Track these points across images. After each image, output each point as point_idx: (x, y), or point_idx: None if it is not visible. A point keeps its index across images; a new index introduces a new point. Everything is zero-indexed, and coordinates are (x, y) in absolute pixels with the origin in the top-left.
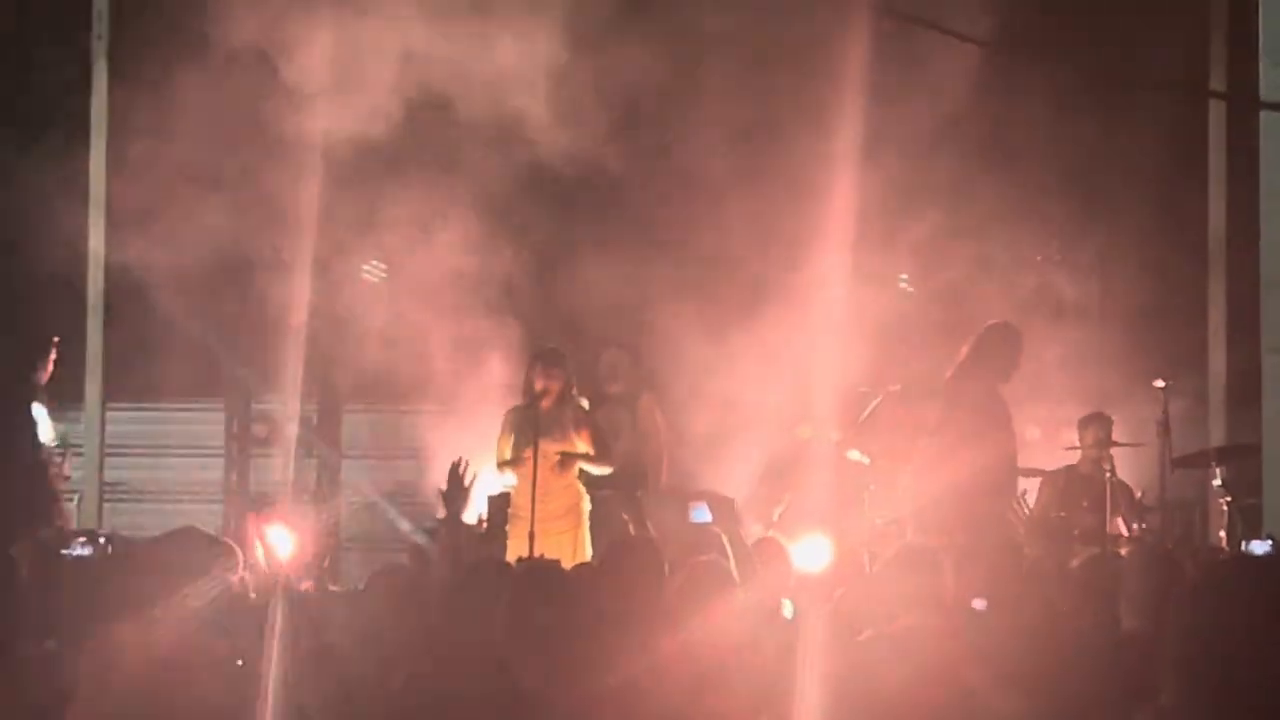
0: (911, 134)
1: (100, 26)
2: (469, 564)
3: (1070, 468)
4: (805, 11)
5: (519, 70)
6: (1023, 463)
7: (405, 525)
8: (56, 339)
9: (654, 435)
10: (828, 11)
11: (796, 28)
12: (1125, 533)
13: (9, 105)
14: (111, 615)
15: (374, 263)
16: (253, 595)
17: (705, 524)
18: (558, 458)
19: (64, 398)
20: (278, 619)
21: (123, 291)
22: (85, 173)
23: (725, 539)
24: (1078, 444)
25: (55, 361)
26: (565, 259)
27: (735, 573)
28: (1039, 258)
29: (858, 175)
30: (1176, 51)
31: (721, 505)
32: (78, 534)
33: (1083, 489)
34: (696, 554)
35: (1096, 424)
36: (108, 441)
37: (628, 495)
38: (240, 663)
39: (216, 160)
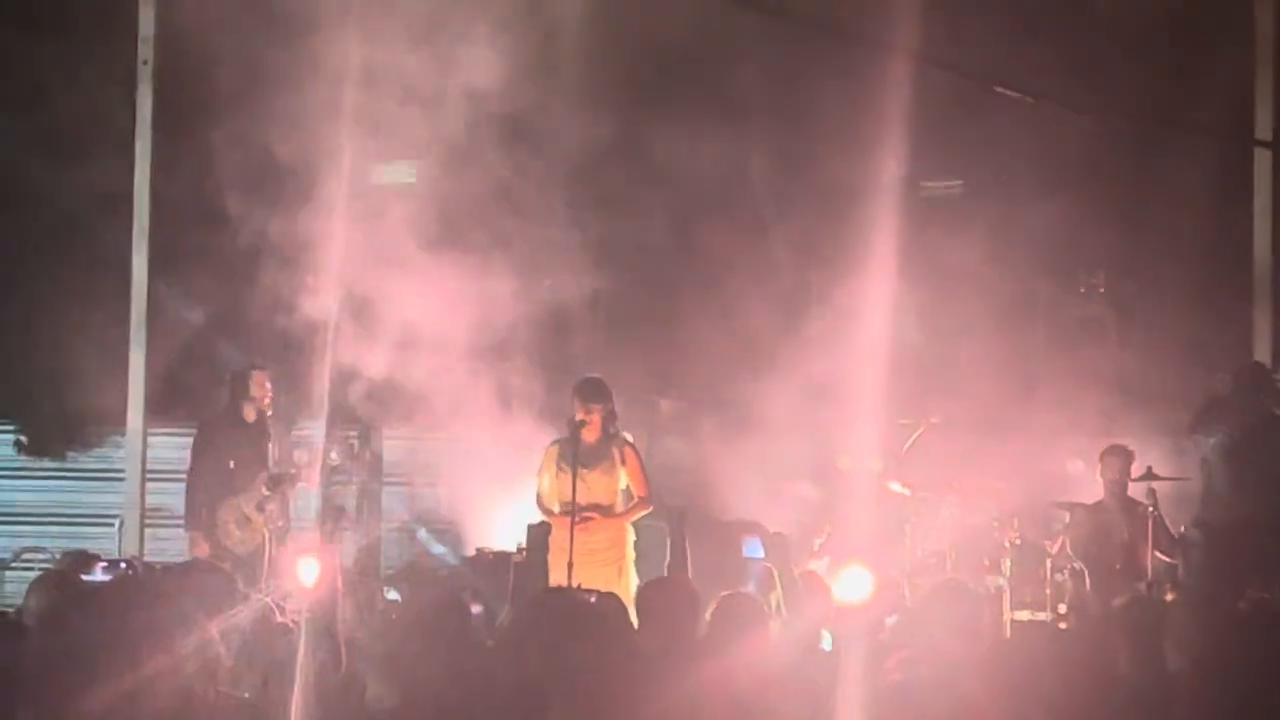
0: (956, 169)
1: (146, 50)
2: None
3: (1098, 502)
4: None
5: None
6: (1066, 495)
7: (441, 553)
8: (257, 368)
9: (710, 470)
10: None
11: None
12: (1165, 565)
13: (55, 128)
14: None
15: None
16: (282, 623)
17: (758, 559)
18: (588, 516)
19: (106, 423)
20: (305, 647)
21: (165, 316)
22: (129, 196)
23: (777, 574)
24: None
25: (260, 385)
26: (608, 291)
27: (784, 607)
28: (1082, 289)
29: (899, 206)
30: (1221, 93)
31: (774, 540)
32: (99, 560)
33: (1118, 522)
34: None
35: (1117, 457)
36: (149, 466)
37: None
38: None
39: (259, 185)
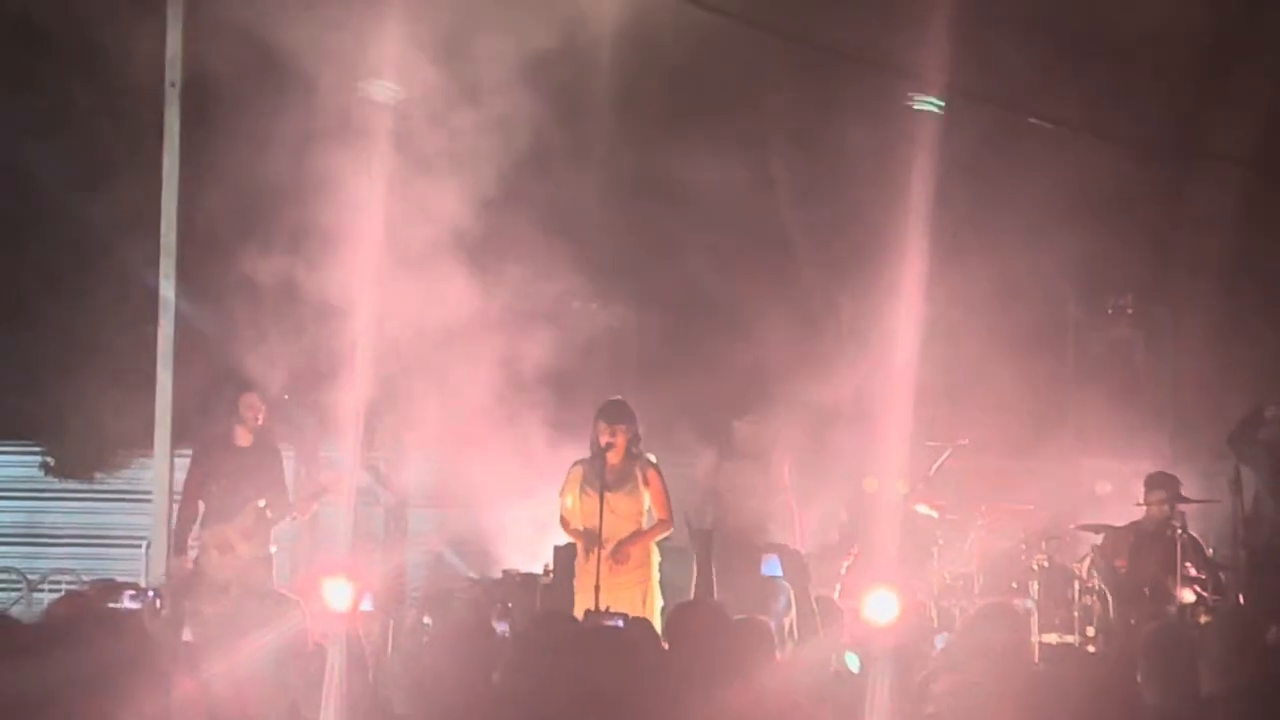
0: (986, 193)
1: (173, 73)
2: (534, 616)
3: (1136, 524)
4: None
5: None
6: (1093, 518)
7: (469, 575)
8: (246, 390)
9: (782, 493)
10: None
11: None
12: (1197, 589)
13: (81, 151)
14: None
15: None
16: (313, 646)
17: (776, 577)
18: (624, 558)
19: (134, 445)
20: (336, 671)
21: (192, 339)
22: (156, 219)
23: (792, 593)
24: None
25: (250, 407)
26: (638, 318)
27: (795, 628)
28: (1110, 312)
29: (928, 231)
30: (1249, 119)
31: (792, 559)
32: (126, 587)
33: (1150, 546)
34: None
35: (1163, 483)
36: (176, 489)
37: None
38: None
39: (285, 207)
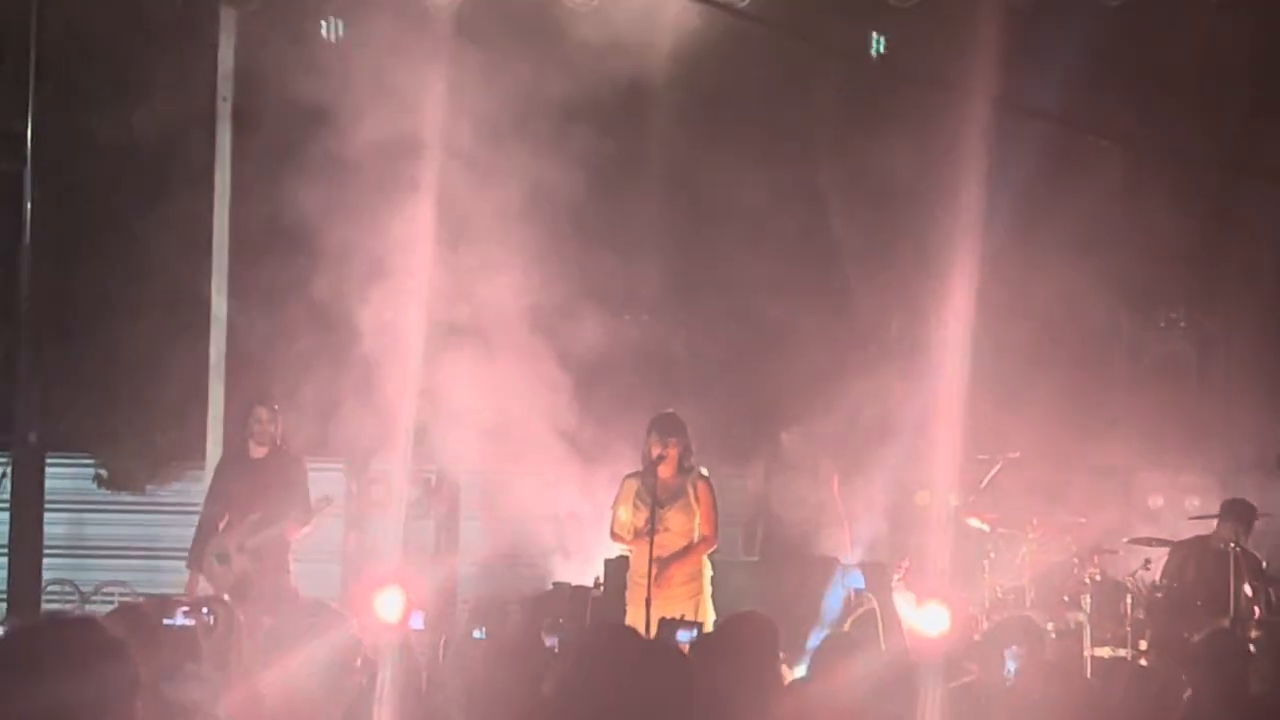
0: (1033, 205)
1: (226, 88)
2: (593, 628)
3: (1202, 539)
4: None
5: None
6: (1145, 532)
7: (519, 588)
8: (259, 404)
9: (833, 506)
10: (963, 107)
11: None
12: (1254, 601)
13: (134, 166)
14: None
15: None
16: (364, 659)
17: (860, 590)
18: (664, 576)
19: (186, 457)
20: (388, 684)
21: (243, 351)
22: (209, 232)
23: (877, 606)
24: (1199, 513)
25: (259, 420)
26: (687, 331)
27: (882, 640)
28: (1163, 325)
29: (979, 241)
30: None
31: (876, 572)
32: (181, 603)
33: (1215, 562)
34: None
35: (1240, 513)
36: None
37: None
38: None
39: (335, 221)
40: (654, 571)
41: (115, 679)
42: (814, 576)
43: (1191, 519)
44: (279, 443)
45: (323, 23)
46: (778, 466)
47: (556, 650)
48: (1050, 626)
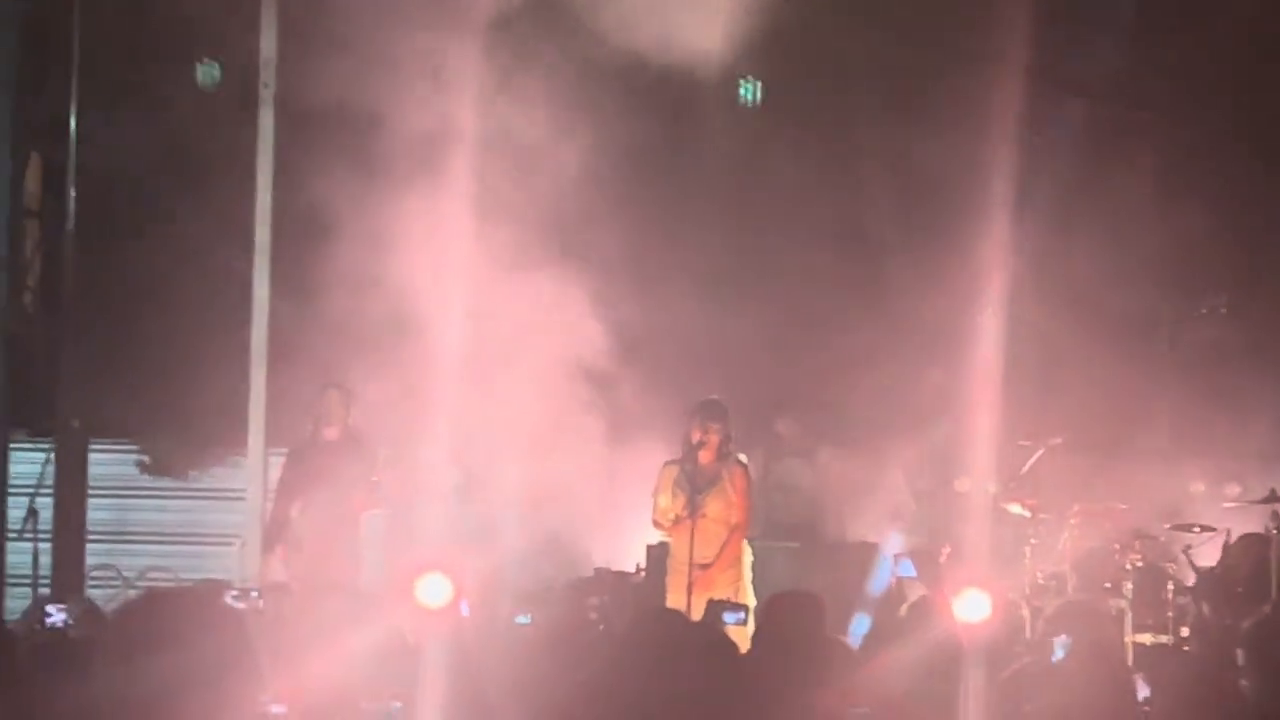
0: (1075, 188)
1: (267, 74)
2: (641, 613)
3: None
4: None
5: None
6: (1187, 518)
7: (561, 574)
8: (332, 386)
9: (833, 491)
10: (1000, 81)
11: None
12: None
13: (175, 153)
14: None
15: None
16: (408, 645)
17: (911, 579)
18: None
19: (228, 443)
20: (434, 666)
21: (285, 338)
22: (250, 220)
23: (925, 594)
24: (1239, 500)
25: (328, 404)
26: (727, 318)
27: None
28: (1205, 310)
29: (1019, 226)
30: None
31: (925, 559)
32: (229, 587)
33: (1244, 545)
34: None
35: None
36: (270, 488)
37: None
38: (398, 705)
39: (380, 205)
40: (694, 562)
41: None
42: (854, 564)
43: (1229, 505)
44: (350, 425)
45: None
46: (778, 452)
47: (601, 634)
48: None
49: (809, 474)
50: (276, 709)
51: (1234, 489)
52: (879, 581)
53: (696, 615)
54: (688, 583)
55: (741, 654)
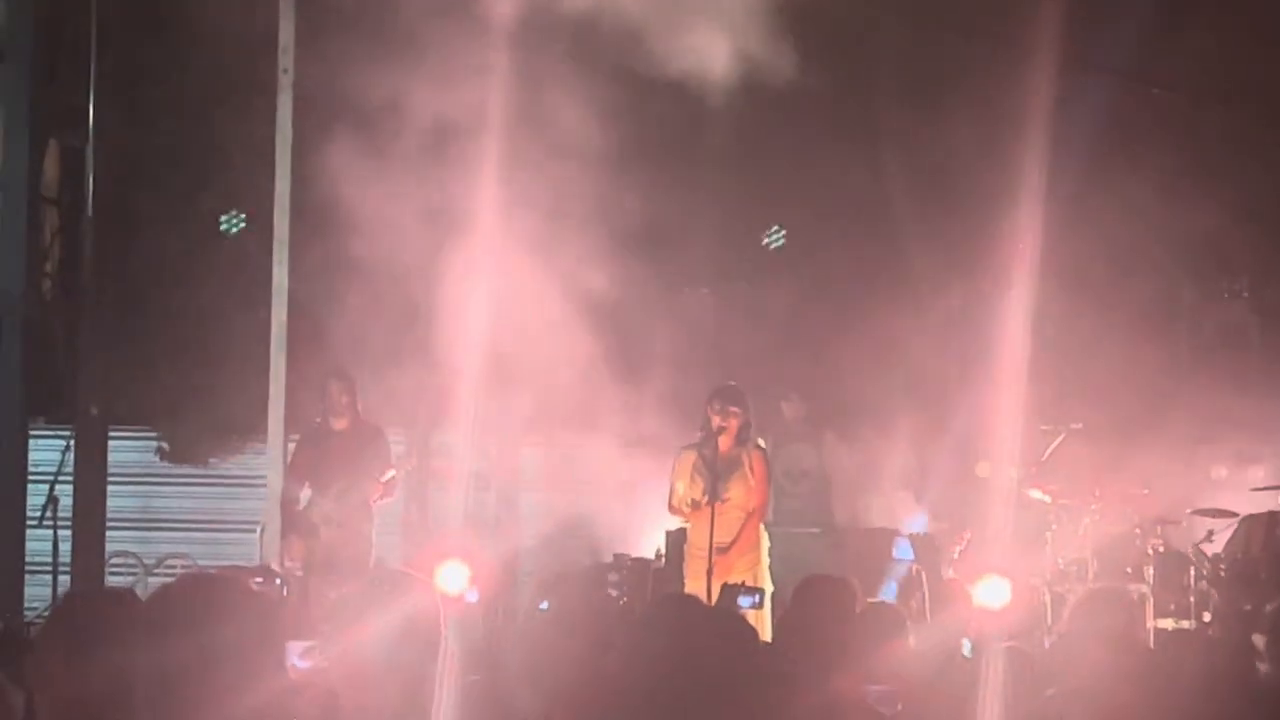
0: (1096, 173)
1: (286, 60)
2: (658, 597)
3: (1273, 513)
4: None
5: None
6: (1208, 503)
7: (581, 560)
8: (332, 377)
9: (841, 474)
10: (1022, 65)
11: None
12: None
13: (195, 138)
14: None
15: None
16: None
17: (908, 561)
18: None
19: (248, 430)
20: (448, 651)
21: (305, 324)
22: (269, 205)
23: (924, 577)
24: (1263, 484)
25: (334, 392)
26: (748, 303)
27: (929, 611)
28: (1225, 294)
29: (1040, 211)
30: None
31: (923, 543)
32: (254, 571)
33: (1261, 530)
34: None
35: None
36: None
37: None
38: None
39: (398, 191)
40: (714, 546)
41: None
42: (873, 549)
43: (1254, 490)
44: (359, 414)
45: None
46: (783, 438)
47: (620, 619)
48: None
49: (816, 458)
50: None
51: (1257, 473)
52: (895, 568)
53: (716, 600)
54: (707, 568)
55: (757, 638)
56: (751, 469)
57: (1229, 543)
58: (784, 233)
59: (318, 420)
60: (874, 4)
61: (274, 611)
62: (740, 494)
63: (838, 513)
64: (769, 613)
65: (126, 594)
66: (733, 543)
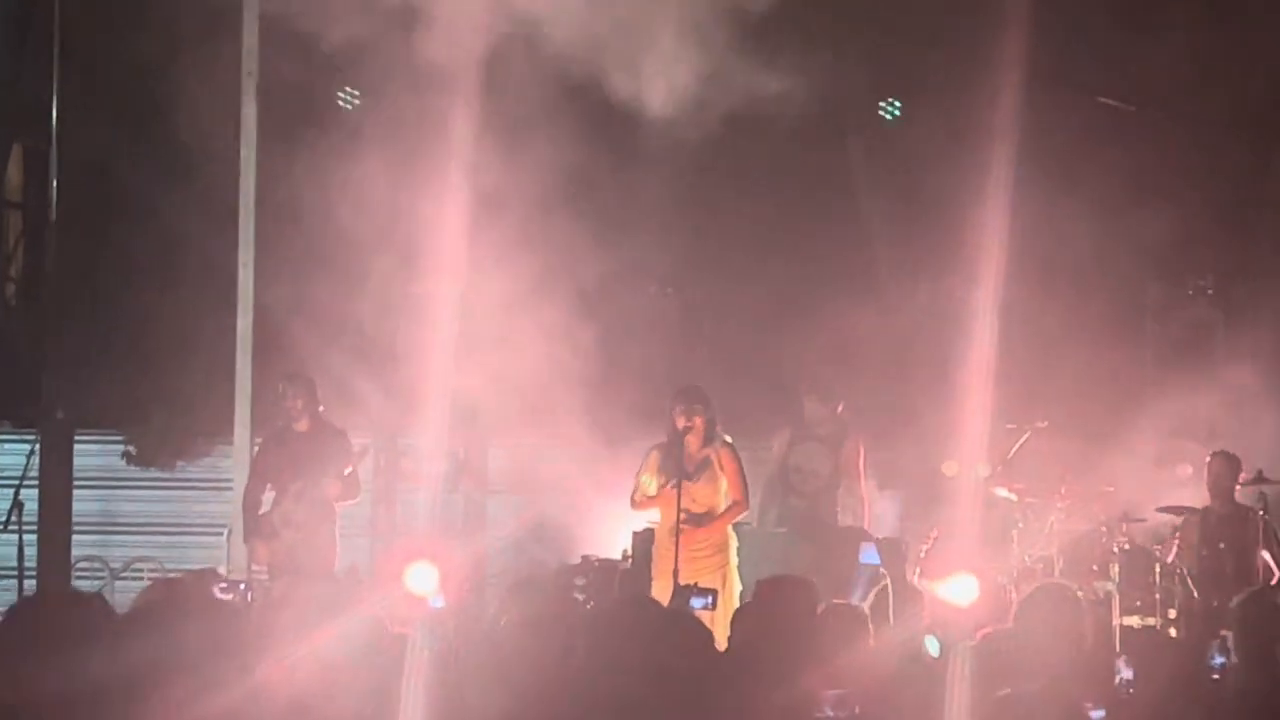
0: (1062, 171)
1: (250, 63)
2: (615, 600)
3: (1206, 508)
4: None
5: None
6: (1175, 500)
7: (548, 562)
8: (284, 380)
9: (855, 478)
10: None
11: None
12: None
13: (159, 142)
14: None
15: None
16: (394, 630)
17: (874, 565)
18: (685, 524)
19: (214, 433)
20: (417, 655)
21: (271, 327)
22: (234, 209)
23: (889, 581)
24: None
25: (286, 395)
26: (713, 303)
27: (892, 614)
28: (1190, 292)
29: (1006, 210)
30: None
31: (889, 547)
32: (217, 578)
33: (1228, 528)
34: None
35: (1222, 462)
36: None
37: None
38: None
39: (364, 194)
40: (681, 533)
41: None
42: (840, 548)
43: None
44: (318, 415)
45: None
46: (802, 435)
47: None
48: (1080, 595)
49: (830, 460)
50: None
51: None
52: (863, 567)
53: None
54: (673, 568)
55: (711, 639)
56: (722, 466)
57: (1181, 541)
58: (753, 232)
59: (279, 423)
60: (844, 12)
61: (236, 618)
62: (707, 495)
63: (845, 517)
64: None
65: (86, 597)
66: (700, 541)
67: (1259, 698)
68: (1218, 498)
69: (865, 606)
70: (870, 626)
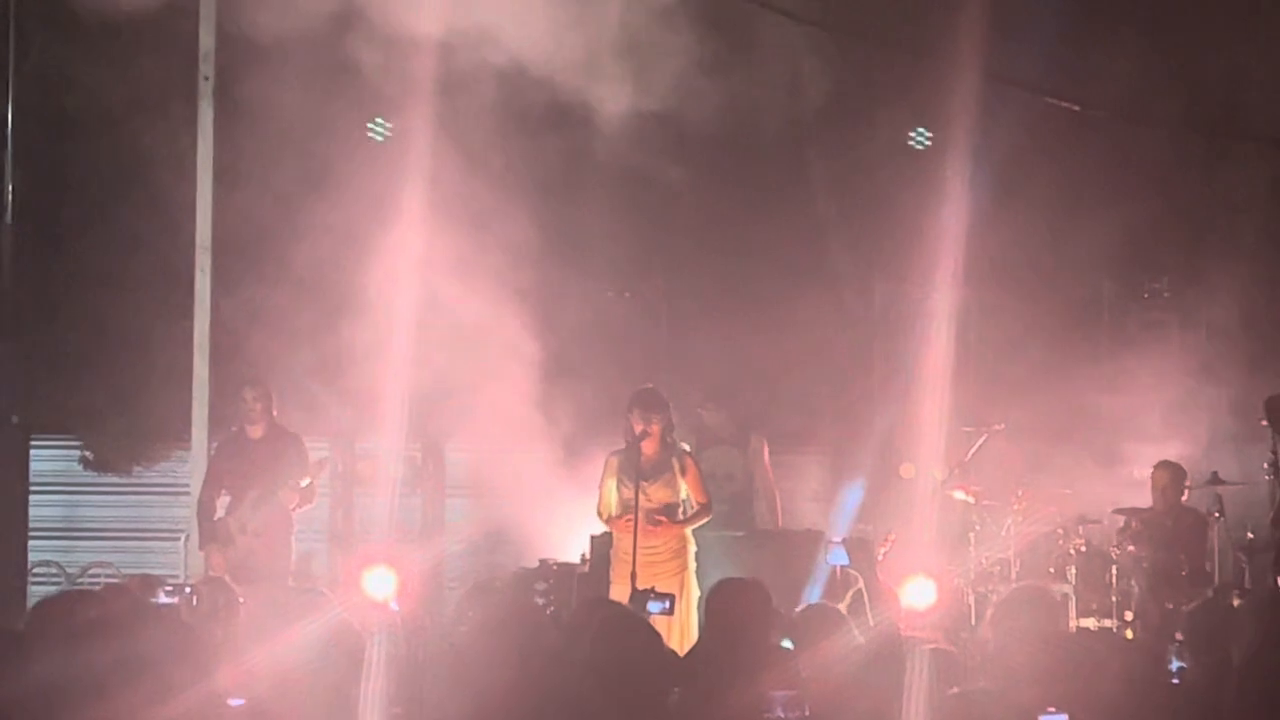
0: (1018, 175)
1: (207, 67)
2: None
3: (1150, 509)
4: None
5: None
6: (1130, 502)
7: (506, 565)
8: (245, 385)
9: (764, 477)
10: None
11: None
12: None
13: (115, 146)
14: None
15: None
16: (353, 635)
17: (844, 566)
18: (658, 520)
19: (171, 438)
20: (376, 660)
21: (227, 331)
22: (191, 213)
23: (862, 582)
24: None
25: (244, 400)
26: (670, 306)
27: (870, 615)
28: (1146, 295)
29: (961, 213)
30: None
31: (859, 548)
32: (162, 582)
33: (1179, 531)
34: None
35: (1165, 473)
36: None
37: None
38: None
39: (321, 199)
40: (640, 534)
41: (105, 658)
42: (799, 551)
43: (1185, 487)
44: (274, 421)
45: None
46: (707, 440)
47: (545, 625)
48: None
49: (740, 461)
50: (234, 702)
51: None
52: (822, 570)
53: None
54: (631, 572)
55: (663, 642)
56: (683, 471)
57: (1126, 539)
58: (712, 235)
59: (234, 429)
60: (803, 16)
61: (183, 623)
62: (665, 498)
63: (761, 516)
64: (695, 617)
65: (44, 604)
66: (659, 545)
67: (1216, 703)
68: (1164, 508)
69: (842, 607)
70: (851, 625)
